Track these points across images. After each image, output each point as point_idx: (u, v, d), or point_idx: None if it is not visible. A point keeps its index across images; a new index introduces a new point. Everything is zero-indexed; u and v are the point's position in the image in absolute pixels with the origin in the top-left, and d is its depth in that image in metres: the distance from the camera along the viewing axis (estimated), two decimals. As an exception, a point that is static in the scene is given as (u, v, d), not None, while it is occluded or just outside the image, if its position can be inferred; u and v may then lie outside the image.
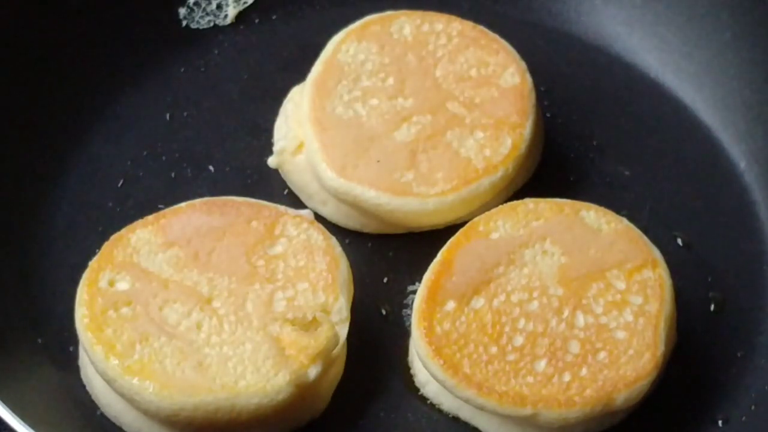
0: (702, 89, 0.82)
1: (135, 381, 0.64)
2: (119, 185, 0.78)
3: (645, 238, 0.70)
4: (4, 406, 0.64)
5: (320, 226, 0.70)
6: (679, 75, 0.83)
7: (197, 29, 0.85)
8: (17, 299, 0.73)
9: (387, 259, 0.75)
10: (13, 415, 0.63)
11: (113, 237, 0.70)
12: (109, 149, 0.80)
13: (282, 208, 0.71)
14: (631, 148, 0.81)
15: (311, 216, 0.71)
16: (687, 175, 0.80)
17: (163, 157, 0.79)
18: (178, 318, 0.66)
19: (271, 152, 0.77)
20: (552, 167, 0.79)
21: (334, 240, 0.70)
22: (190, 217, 0.70)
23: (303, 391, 0.65)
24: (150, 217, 0.70)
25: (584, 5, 0.86)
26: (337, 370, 0.69)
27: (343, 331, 0.67)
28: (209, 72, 0.83)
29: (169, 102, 0.82)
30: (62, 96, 0.80)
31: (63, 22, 0.82)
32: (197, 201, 0.71)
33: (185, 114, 0.81)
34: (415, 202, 0.73)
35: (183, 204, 0.71)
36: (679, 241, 0.77)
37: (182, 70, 0.83)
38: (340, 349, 0.67)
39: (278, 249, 0.69)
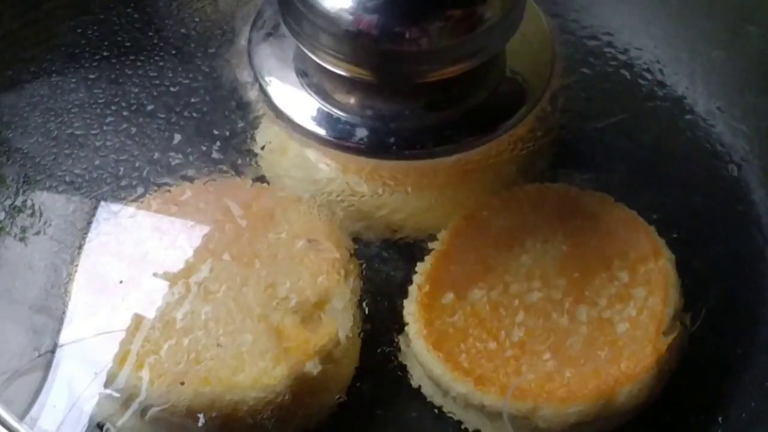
0: (700, 85, 0.82)
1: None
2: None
3: (649, 228, 0.70)
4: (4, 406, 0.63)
5: (324, 213, 0.70)
6: (677, 71, 0.83)
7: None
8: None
9: (386, 251, 0.74)
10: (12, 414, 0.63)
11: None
12: (104, 143, 0.79)
13: (284, 192, 0.70)
14: (628, 144, 0.80)
15: (314, 201, 0.70)
16: (685, 171, 0.79)
17: (157, 154, 0.79)
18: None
19: (267, 147, 0.77)
20: (551, 160, 0.78)
21: (336, 227, 0.69)
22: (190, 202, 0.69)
23: (306, 388, 0.64)
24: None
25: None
26: (347, 371, 0.68)
27: (344, 325, 0.66)
28: (204, 67, 0.82)
29: (164, 97, 0.81)
30: (57, 91, 0.80)
31: (61, 20, 0.81)
32: (197, 183, 0.71)
33: (182, 111, 0.81)
34: (412, 199, 0.72)
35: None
36: (677, 237, 0.76)
37: (178, 66, 0.83)
38: (348, 345, 0.66)
39: (280, 236, 0.68)
